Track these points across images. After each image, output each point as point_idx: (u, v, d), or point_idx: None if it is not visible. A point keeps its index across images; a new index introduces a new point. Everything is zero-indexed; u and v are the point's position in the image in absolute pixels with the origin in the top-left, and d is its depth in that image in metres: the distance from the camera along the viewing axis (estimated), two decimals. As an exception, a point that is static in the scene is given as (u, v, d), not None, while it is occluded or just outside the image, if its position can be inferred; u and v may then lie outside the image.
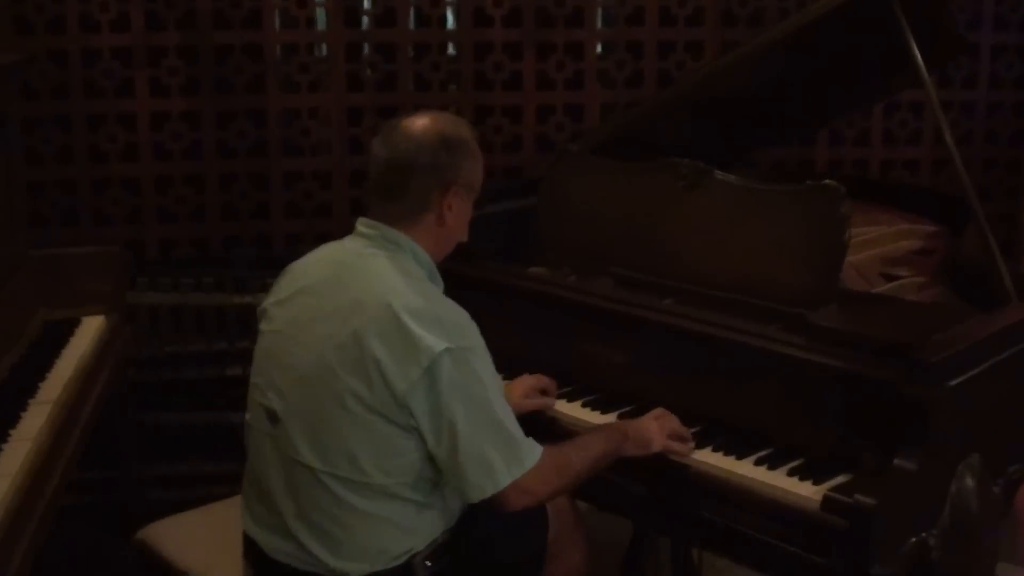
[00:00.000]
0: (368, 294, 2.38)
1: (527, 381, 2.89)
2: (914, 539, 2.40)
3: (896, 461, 2.35)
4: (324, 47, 4.38)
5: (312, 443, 2.39)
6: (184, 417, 4.25)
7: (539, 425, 2.74)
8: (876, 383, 2.44)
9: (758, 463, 2.54)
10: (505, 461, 2.36)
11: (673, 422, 2.65)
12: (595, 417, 2.80)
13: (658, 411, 2.67)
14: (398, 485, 2.38)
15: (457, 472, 2.36)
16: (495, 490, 2.36)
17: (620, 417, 2.78)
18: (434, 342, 2.30)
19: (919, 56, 2.95)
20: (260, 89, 4.29)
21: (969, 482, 2.51)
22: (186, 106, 4.27)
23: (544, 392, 2.89)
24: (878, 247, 3.43)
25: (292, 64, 4.30)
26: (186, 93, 4.26)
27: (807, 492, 2.43)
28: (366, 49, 4.39)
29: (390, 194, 2.48)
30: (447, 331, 2.33)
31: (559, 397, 2.89)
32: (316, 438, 2.39)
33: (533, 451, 2.41)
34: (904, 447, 2.36)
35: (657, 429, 2.62)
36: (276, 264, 2.69)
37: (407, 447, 2.36)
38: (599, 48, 4.54)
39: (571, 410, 2.85)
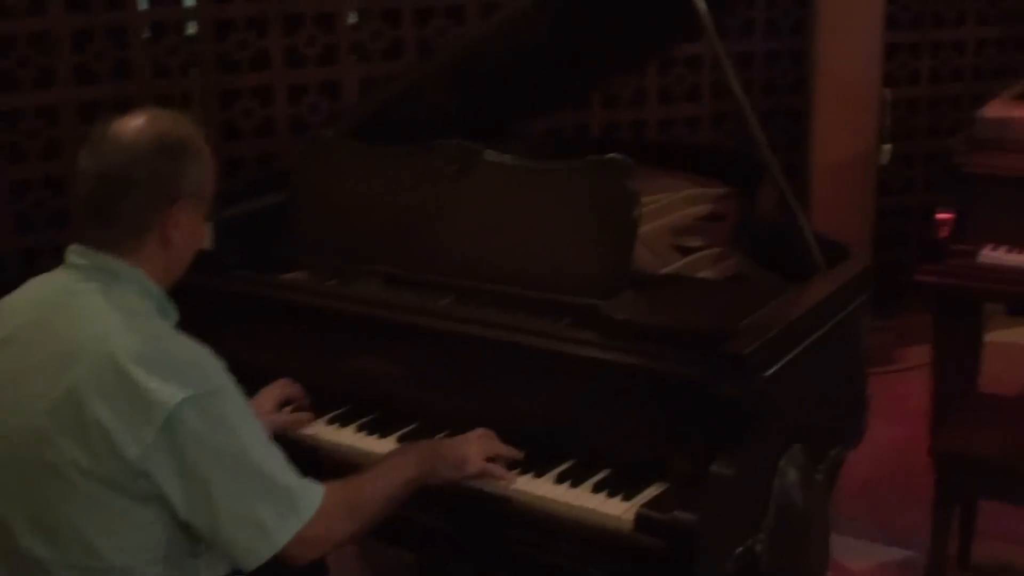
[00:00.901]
0: (82, 341, 1.96)
1: (270, 394, 2.53)
2: (740, 549, 2.14)
3: (713, 467, 2.07)
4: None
5: (33, 529, 1.98)
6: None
7: (305, 458, 2.35)
8: (684, 380, 2.16)
9: (560, 479, 2.24)
10: (278, 515, 1.99)
11: (495, 443, 2.32)
12: (372, 442, 2.44)
13: (480, 431, 2.34)
14: (145, 564, 1.99)
15: (223, 539, 1.99)
16: (273, 551, 1.99)
17: (401, 439, 2.43)
18: (168, 393, 1.90)
19: (704, 8, 2.68)
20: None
21: (792, 477, 2.27)
22: None
23: (290, 401, 2.55)
24: (666, 216, 3.17)
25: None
26: None
27: (617, 511, 2.14)
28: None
29: (103, 215, 2.05)
30: (183, 377, 1.93)
31: (330, 423, 2.53)
32: (37, 522, 1.98)
33: (311, 495, 2.04)
34: (721, 450, 2.09)
35: (476, 451, 2.28)
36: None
37: (146, 519, 1.96)
38: (352, 17, 4.15)
39: (344, 437, 2.48)
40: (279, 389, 2.54)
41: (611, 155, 2.49)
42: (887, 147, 4.64)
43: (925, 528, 3.19)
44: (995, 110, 3.86)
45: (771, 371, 2.16)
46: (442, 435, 2.38)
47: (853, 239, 4.56)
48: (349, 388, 2.56)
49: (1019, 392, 4.46)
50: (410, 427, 2.46)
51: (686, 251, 2.93)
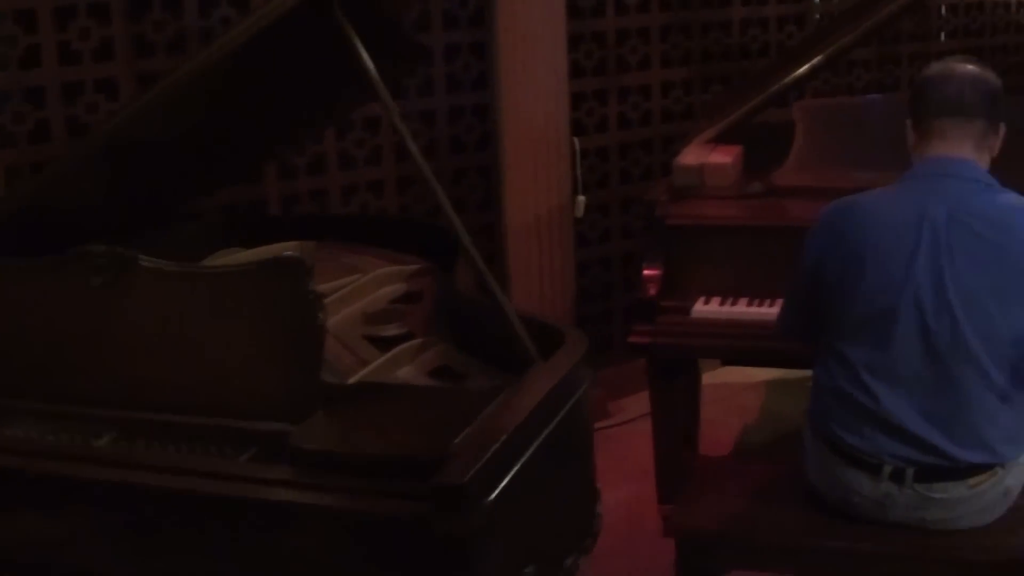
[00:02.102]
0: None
1: None
2: None
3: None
4: None
5: None
6: None
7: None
8: (393, 520, 1.82)
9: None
10: None
11: None
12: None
13: None
14: None
15: None
16: None
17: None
18: None
19: (373, 68, 2.38)
20: None
21: (528, 606, 1.97)
22: None
23: None
24: (356, 302, 2.87)
25: None
26: None
27: None
28: None
29: None
30: None
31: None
32: None
33: None
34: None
35: None
36: None
37: None
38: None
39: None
40: None
41: (287, 254, 2.15)
42: (581, 198, 4.46)
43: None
44: (690, 156, 3.71)
45: (494, 495, 1.86)
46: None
47: (555, 293, 4.48)
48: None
49: (737, 436, 4.37)
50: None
51: (383, 342, 2.62)
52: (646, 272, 3.43)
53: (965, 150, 2.64)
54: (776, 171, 3.66)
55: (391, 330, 2.69)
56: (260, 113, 2.98)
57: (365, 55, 2.40)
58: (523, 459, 1.96)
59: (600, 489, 2.45)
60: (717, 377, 4.55)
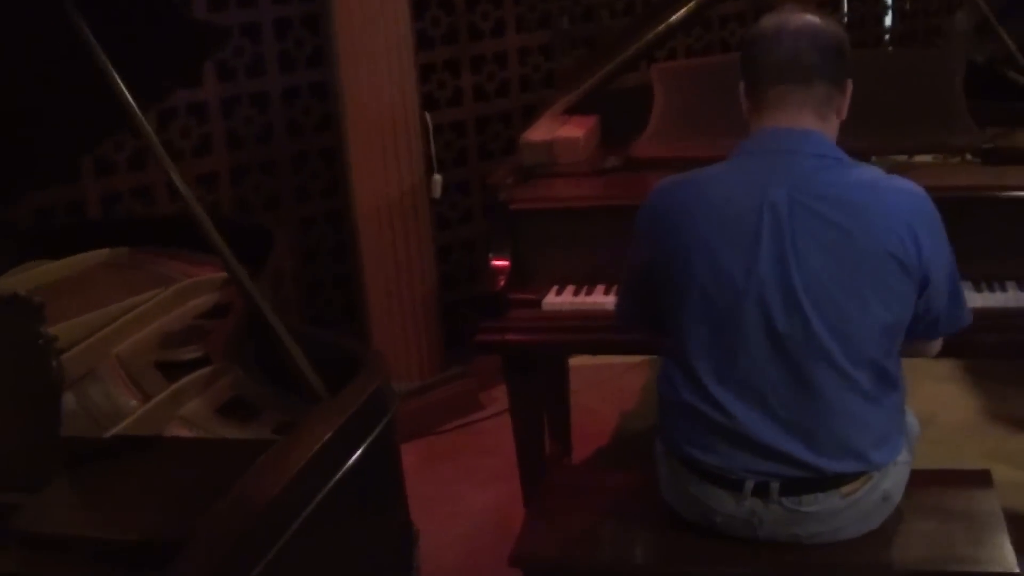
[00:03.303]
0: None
1: None
2: None
3: None
4: None
5: None
6: None
7: None
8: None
9: None
10: None
11: None
12: None
13: None
14: None
15: None
16: None
17: None
18: None
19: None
20: None
21: None
22: None
23: None
24: (155, 320, 2.54)
25: None
26: None
27: None
28: None
29: None
30: None
31: None
32: None
33: None
34: None
35: None
36: None
37: None
38: None
39: None
40: None
41: (12, 292, 1.80)
42: (437, 178, 4.13)
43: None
44: (539, 131, 3.40)
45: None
46: None
47: (414, 282, 4.15)
48: None
49: (614, 427, 4.09)
50: None
51: (176, 368, 2.30)
52: (493, 263, 3.12)
53: (806, 119, 2.31)
54: (635, 142, 3.37)
55: (186, 353, 2.37)
56: (67, 103, 2.66)
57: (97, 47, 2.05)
58: (295, 525, 1.64)
59: (418, 530, 2.14)
60: (594, 358, 4.26)
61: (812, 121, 2.32)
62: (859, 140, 2.70)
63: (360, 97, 3.91)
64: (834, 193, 2.25)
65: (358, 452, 1.83)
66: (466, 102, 4.27)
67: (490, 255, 3.14)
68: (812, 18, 2.35)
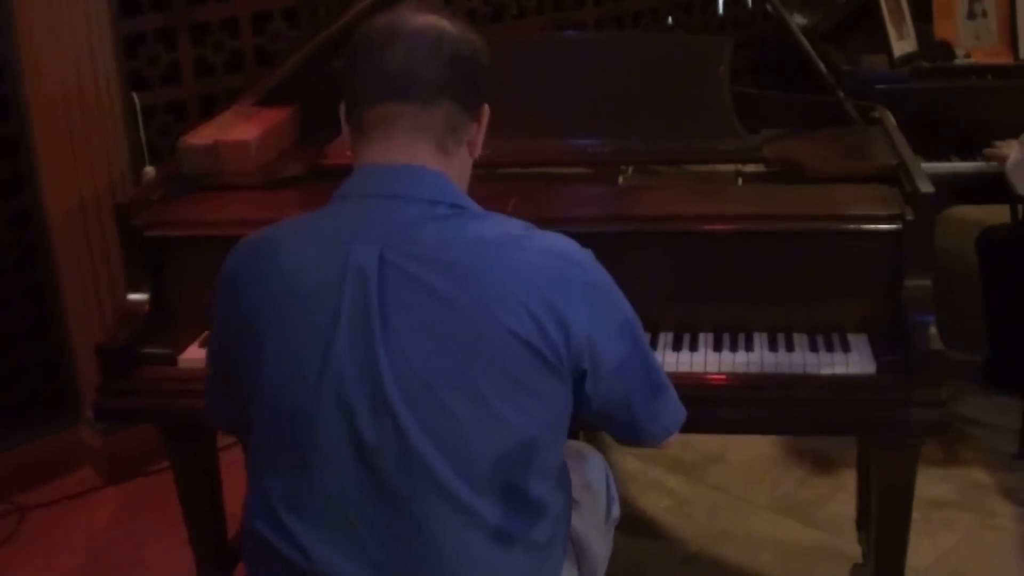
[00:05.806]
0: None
1: None
2: None
3: None
4: None
5: None
6: None
7: None
8: None
9: None
10: None
11: None
12: None
13: None
14: None
15: None
16: None
17: None
18: None
19: None
20: None
21: None
22: None
23: None
24: None
25: None
26: None
27: None
28: None
29: None
30: None
31: None
32: None
33: None
34: None
35: None
36: None
37: None
38: None
39: None
40: None
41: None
42: (150, 169, 3.45)
43: None
44: (205, 132, 2.73)
45: None
46: None
47: (120, 292, 3.39)
48: None
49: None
50: None
51: None
52: (128, 303, 2.48)
53: (421, 153, 1.70)
54: (334, 142, 2.73)
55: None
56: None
57: None
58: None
59: None
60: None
61: (429, 156, 1.71)
62: (604, 146, 2.34)
63: (43, 76, 3.24)
64: (437, 253, 1.64)
65: None
66: (186, 79, 3.57)
67: (127, 292, 2.50)
68: (441, 20, 1.74)
